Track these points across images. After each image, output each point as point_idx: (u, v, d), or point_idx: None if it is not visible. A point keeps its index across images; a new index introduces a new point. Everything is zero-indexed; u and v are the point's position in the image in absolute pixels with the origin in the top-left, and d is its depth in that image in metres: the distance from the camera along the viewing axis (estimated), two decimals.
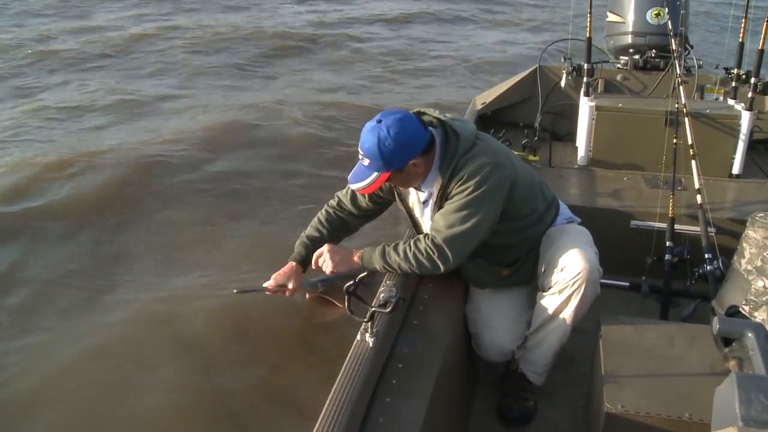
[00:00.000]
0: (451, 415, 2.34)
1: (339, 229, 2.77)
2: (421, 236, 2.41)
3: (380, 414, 1.88)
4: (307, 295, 2.89)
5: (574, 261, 2.33)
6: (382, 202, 2.72)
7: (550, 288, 2.41)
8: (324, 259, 2.56)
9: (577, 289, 2.33)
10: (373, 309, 1.99)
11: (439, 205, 2.41)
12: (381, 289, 2.20)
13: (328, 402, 1.76)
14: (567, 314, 2.39)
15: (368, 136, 2.28)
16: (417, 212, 2.63)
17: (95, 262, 3.87)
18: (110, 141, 5.75)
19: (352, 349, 1.98)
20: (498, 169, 2.32)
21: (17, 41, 9.51)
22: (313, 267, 2.64)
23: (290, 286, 2.72)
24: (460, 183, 2.31)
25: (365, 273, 2.06)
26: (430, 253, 2.35)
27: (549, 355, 2.54)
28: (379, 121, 2.27)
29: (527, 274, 2.58)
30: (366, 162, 2.31)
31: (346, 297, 1.99)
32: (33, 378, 2.90)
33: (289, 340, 3.04)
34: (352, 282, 2.00)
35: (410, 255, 2.38)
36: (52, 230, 4.23)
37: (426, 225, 2.57)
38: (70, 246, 4.05)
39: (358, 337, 2.01)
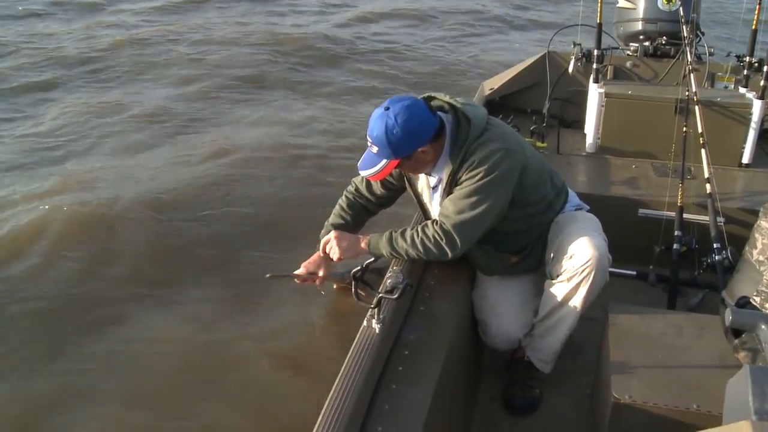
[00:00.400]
0: (456, 402, 2.33)
1: (361, 214, 2.77)
2: (429, 222, 2.40)
3: (385, 401, 1.87)
4: (335, 286, 2.91)
5: (583, 248, 2.31)
6: (394, 188, 2.71)
7: (558, 275, 2.40)
8: (331, 246, 2.56)
9: (586, 276, 2.31)
10: (381, 295, 1.97)
11: (448, 191, 2.39)
12: (388, 275, 2.18)
13: (333, 389, 1.75)
14: (576, 302, 2.37)
15: (376, 123, 2.26)
16: (426, 198, 2.62)
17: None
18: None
19: (358, 335, 1.97)
20: (509, 156, 2.30)
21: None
22: (321, 254, 2.63)
23: (320, 274, 2.69)
24: (470, 169, 2.29)
25: (373, 259, 2.03)
26: (438, 239, 2.34)
27: (557, 343, 2.52)
28: (387, 109, 2.25)
29: (535, 262, 2.56)
30: (375, 149, 2.29)
31: (353, 283, 1.98)
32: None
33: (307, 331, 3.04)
34: (359, 268, 1.99)
35: (417, 241, 2.37)
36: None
37: (435, 211, 2.55)
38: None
39: (365, 323, 2.00)
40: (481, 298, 2.62)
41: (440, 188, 2.45)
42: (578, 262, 2.31)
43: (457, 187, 2.34)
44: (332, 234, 2.58)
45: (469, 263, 2.65)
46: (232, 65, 8.04)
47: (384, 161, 2.30)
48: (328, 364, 2.26)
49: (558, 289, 2.40)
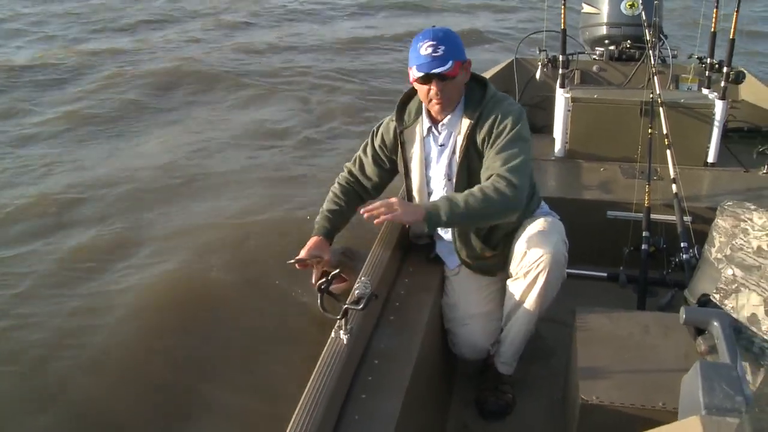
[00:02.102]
0: (428, 409, 2.35)
1: (354, 199, 2.77)
2: (482, 183, 2.35)
3: (355, 411, 1.88)
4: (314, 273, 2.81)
5: (537, 244, 2.36)
6: (388, 167, 2.71)
7: (516, 273, 2.44)
8: (394, 205, 2.29)
9: (541, 272, 2.34)
10: (346, 306, 1.99)
11: (466, 146, 2.43)
12: (356, 285, 2.19)
13: (301, 401, 1.76)
14: (532, 299, 2.40)
15: (434, 31, 2.37)
16: (419, 165, 2.59)
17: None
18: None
19: (326, 346, 1.98)
20: (524, 112, 2.47)
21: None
22: (376, 213, 2.34)
23: (325, 257, 2.61)
24: (498, 124, 2.38)
25: (337, 270, 2.05)
26: (499, 184, 2.26)
27: (517, 342, 2.55)
28: (433, 26, 2.40)
29: (503, 261, 2.57)
30: (440, 52, 2.33)
31: (318, 295, 1.99)
32: None
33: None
34: (324, 279, 2.00)
35: (477, 191, 2.27)
36: None
37: (437, 172, 2.56)
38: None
39: (333, 334, 2.01)
40: (450, 306, 2.65)
41: (454, 145, 2.49)
42: (533, 258, 2.35)
43: (493, 144, 2.38)
44: (396, 198, 2.38)
45: (439, 272, 2.68)
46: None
47: (451, 62, 2.33)
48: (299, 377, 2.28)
49: (515, 286, 2.44)
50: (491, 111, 2.41)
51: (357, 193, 2.77)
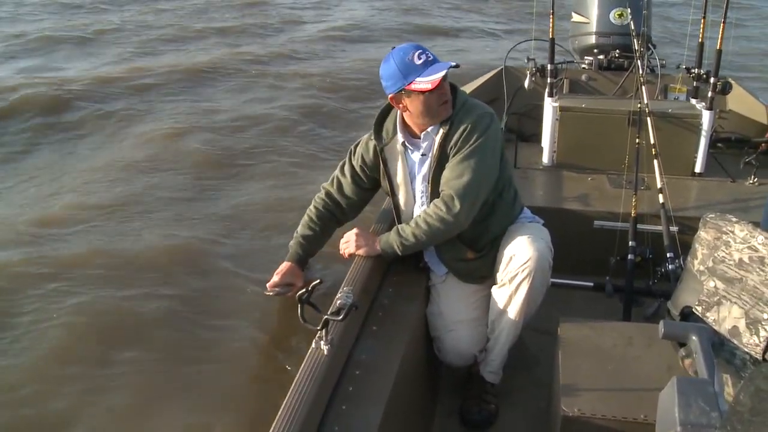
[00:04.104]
0: (410, 419, 2.34)
1: (330, 223, 2.80)
2: (428, 207, 2.46)
3: (335, 422, 1.87)
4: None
5: (522, 250, 2.37)
6: (368, 186, 2.74)
7: (501, 279, 2.44)
8: (348, 244, 2.59)
9: (526, 277, 2.35)
10: (326, 317, 1.98)
11: (437, 157, 2.45)
12: (338, 295, 2.18)
13: (280, 411, 1.75)
14: (518, 304, 2.41)
15: (409, 44, 2.44)
16: (403, 180, 2.60)
17: None
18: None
19: (306, 357, 1.97)
20: (494, 118, 2.47)
21: None
22: (341, 252, 2.64)
23: (297, 284, 2.71)
24: (463, 134, 2.39)
25: (319, 281, 2.04)
26: (439, 210, 2.38)
27: (504, 351, 2.55)
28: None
29: (488, 266, 2.57)
30: (431, 54, 2.39)
31: (299, 305, 1.98)
32: None
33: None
34: (304, 290, 1.99)
35: (421, 221, 2.42)
36: None
37: (418, 189, 2.59)
38: None
39: (313, 345, 2.00)
40: (436, 315, 2.64)
41: (429, 156, 2.50)
42: (518, 262, 2.36)
43: (454, 156, 2.40)
44: (354, 230, 2.61)
45: (422, 280, 2.68)
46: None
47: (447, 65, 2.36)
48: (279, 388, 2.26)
49: (501, 292, 2.45)
50: (462, 119, 2.42)
51: (333, 216, 2.79)
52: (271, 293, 2.77)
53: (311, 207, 2.80)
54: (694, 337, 1.51)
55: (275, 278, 2.75)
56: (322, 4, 13.07)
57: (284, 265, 2.77)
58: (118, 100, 6.97)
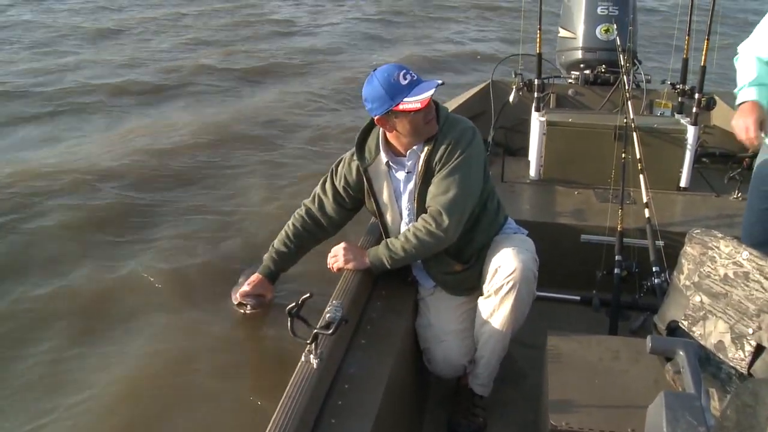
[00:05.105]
0: None
1: (308, 240, 2.81)
2: (421, 215, 2.47)
3: None
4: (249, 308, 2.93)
5: (508, 261, 2.38)
6: (349, 207, 2.74)
7: (487, 291, 2.46)
8: (337, 256, 2.59)
9: (511, 288, 2.37)
10: (316, 330, 1.98)
11: (423, 174, 2.46)
12: (327, 308, 2.19)
13: (269, 426, 1.74)
14: (504, 315, 2.42)
15: (391, 65, 2.44)
16: (389, 199, 2.61)
17: None
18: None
19: (295, 371, 1.97)
20: (476, 132, 2.49)
21: None
22: (329, 267, 2.64)
23: (268, 296, 2.82)
24: (447, 150, 2.40)
25: (309, 295, 2.04)
26: (428, 225, 2.40)
27: (493, 362, 2.56)
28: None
29: (475, 277, 2.58)
30: (415, 74, 2.42)
31: (288, 319, 1.98)
32: None
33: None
34: (294, 304, 1.99)
35: (410, 235, 2.44)
36: None
37: (405, 207, 2.59)
38: None
39: (303, 358, 2.00)
40: (425, 327, 2.65)
41: (414, 173, 2.51)
42: (503, 273, 2.37)
43: (439, 171, 2.42)
44: (342, 245, 2.62)
45: (411, 293, 2.69)
46: None
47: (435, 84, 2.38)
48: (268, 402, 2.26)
49: (487, 304, 2.46)
50: (446, 135, 2.44)
51: (311, 235, 2.79)
52: (243, 306, 2.87)
53: (290, 223, 2.80)
54: (681, 352, 1.53)
55: (246, 288, 2.84)
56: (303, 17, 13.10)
57: (255, 277, 2.84)
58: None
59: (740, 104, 2.65)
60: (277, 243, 2.81)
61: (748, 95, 2.61)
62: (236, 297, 2.94)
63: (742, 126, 2.53)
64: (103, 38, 10.85)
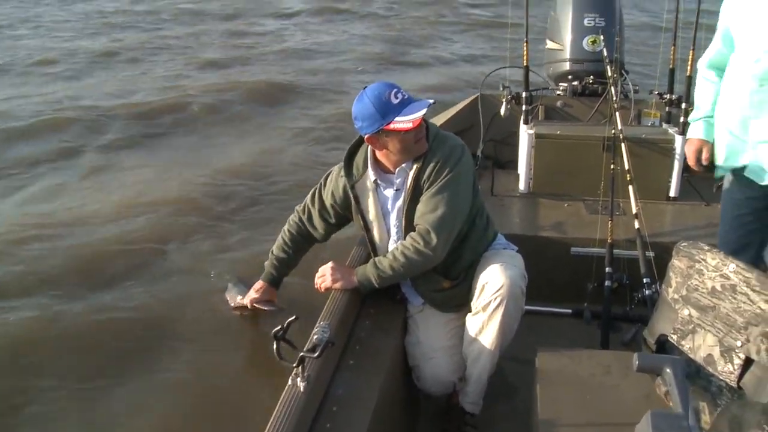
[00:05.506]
0: None
1: (302, 246, 2.92)
2: (409, 233, 2.47)
3: None
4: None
5: (495, 277, 2.38)
6: (334, 223, 2.78)
7: (476, 307, 2.45)
8: (324, 276, 2.61)
9: (499, 305, 2.36)
10: (302, 354, 1.96)
11: (411, 192, 2.45)
12: (315, 330, 2.17)
13: None
14: (492, 332, 2.41)
15: (382, 83, 2.43)
16: (376, 217, 2.60)
17: None
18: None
19: (283, 394, 1.95)
20: (465, 149, 2.50)
21: None
22: (317, 287, 2.65)
23: (276, 301, 2.99)
24: (436, 167, 2.40)
25: (294, 318, 2.02)
26: (416, 243, 2.40)
27: (483, 379, 2.55)
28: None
29: (464, 293, 2.57)
30: (406, 93, 2.42)
31: (274, 342, 1.96)
32: None
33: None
34: (280, 327, 1.97)
35: (398, 253, 2.44)
36: None
37: (393, 224, 2.59)
38: None
39: (290, 382, 1.98)
40: (414, 344, 2.64)
41: (403, 191, 2.51)
42: (491, 290, 2.37)
43: (428, 189, 2.42)
44: (329, 265, 2.62)
45: (401, 312, 2.67)
46: None
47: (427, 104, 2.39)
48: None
49: (475, 320, 2.45)
50: (435, 152, 2.44)
51: (305, 240, 2.88)
52: (240, 309, 3.09)
53: (285, 229, 2.89)
54: (668, 370, 1.52)
55: (254, 295, 2.99)
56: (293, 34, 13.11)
57: (259, 284, 2.99)
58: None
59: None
60: (275, 250, 2.92)
61: (695, 132, 2.90)
62: (236, 301, 3.20)
63: (689, 155, 2.92)
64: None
